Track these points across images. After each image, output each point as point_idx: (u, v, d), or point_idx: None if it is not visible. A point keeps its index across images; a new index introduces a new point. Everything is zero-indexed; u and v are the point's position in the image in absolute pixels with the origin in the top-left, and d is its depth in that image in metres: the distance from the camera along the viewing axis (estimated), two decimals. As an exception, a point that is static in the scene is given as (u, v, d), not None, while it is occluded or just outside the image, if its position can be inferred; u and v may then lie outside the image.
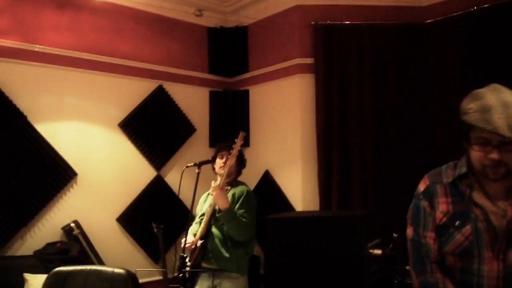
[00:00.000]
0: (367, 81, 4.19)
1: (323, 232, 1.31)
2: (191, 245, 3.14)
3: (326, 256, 1.29)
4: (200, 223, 3.24)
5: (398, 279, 3.13)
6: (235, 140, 3.02)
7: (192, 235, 3.27)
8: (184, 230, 4.45)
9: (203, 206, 3.39)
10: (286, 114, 4.57)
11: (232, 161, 3.02)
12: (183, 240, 3.13)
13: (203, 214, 3.26)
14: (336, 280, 1.27)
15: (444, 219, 1.52)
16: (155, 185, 4.59)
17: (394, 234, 3.21)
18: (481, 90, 1.44)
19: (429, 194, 1.59)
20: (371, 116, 4.17)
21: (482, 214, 1.43)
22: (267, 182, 4.66)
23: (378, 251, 1.30)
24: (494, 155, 1.35)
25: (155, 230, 4.30)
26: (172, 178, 4.70)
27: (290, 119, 4.53)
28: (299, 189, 4.40)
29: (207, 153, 4.82)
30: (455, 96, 3.69)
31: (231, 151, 3.00)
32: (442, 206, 1.54)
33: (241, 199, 3.10)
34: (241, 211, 3.02)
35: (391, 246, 1.46)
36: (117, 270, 2.23)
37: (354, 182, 4.17)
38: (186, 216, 3.78)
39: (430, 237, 1.55)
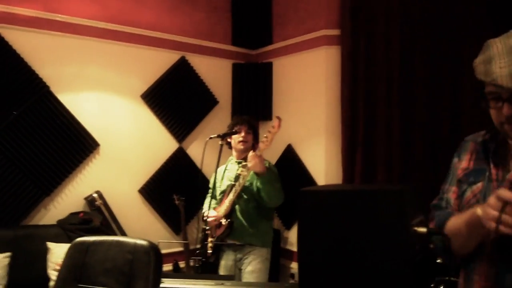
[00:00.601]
0: (394, 54, 3.98)
1: (364, 206, 1.20)
2: (215, 221, 3.12)
3: (365, 233, 1.19)
4: (220, 199, 3.22)
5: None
6: (270, 127, 2.90)
7: (212, 209, 3.24)
8: (203, 203, 4.45)
9: (221, 183, 3.32)
10: (311, 87, 4.42)
11: (265, 146, 2.91)
12: (205, 214, 3.10)
13: (223, 192, 3.21)
14: (376, 259, 1.16)
15: (462, 175, 1.43)
16: (177, 157, 4.53)
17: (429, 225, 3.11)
18: (494, 39, 1.26)
19: (460, 151, 1.52)
20: (397, 90, 3.98)
21: (497, 174, 1.28)
22: (290, 156, 4.56)
23: (423, 229, 1.19)
24: (505, 110, 1.19)
25: (176, 202, 4.30)
26: (194, 150, 4.63)
27: (314, 92, 4.38)
28: (322, 164, 4.29)
29: (229, 125, 4.75)
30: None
31: (268, 135, 2.89)
32: (464, 163, 1.45)
33: None
34: (273, 176, 3.06)
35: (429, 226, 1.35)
36: (139, 242, 2.17)
37: (378, 157, 4.02)
38: (207, 189, 3.74)
39: (452, 191, 1.47)
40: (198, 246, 4.38)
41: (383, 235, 1.14)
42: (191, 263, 4.12)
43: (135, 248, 2.17)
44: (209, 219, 3.13)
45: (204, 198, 3.65)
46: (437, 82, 3.92)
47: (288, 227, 4.57)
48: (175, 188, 4.37)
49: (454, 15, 3.83)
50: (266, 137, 2.87)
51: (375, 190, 1.26)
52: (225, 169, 3.34)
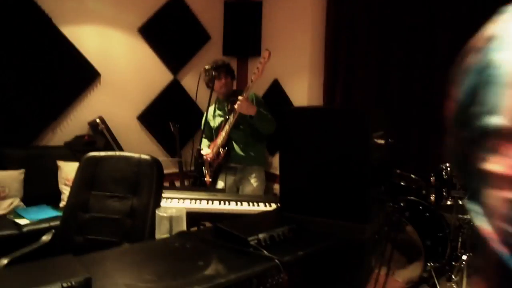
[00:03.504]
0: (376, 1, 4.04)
1: (336, 122, 1.39)
2: (212, 156, 3.30)
3: (336, 144, 1.39)
4: (213, 136, 3.38)
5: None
6: (261, 58, 2.96)
7: (207, 147, 3.40)
8: (197, 130, 4.62)
9: (214, 121, 3.45)
10: (297, 26, 4.49)
11: (257, 77, 3.00)
12: (202, 152, 3.25)
13: (218, 127, 3.36)
14: (343, 164, 1.38)
15: None
16: (172, 88, 4.66)
17: (390, 139, 3.34)
18: None
19: None
20: (376, 30, 4.08)
21: None
22: (276, 89, 4.71)
23: (381, 140, 1.39)
24: None
25: (172, 128, 4.46)
26: (187, 82, 4.75)
27: (300, 31, 4.46)
28: (305, 98, 4.46)
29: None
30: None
31: (258, 66, 2.96)
32: None
33: (254, 102, 3.21)
34: (261, 109, 3.17)
35: (390, 140, 1.54)
36: (143, 156, 2.36)
37: (356, 94, 4.20)
38: (200, 117, 3.90)
39: None
40: (193, 168, 4.64)
41: (351, 145, 1.34)
42: (185, 182, 4.40)
43: (140, 161, 2.37)
44: (206, 157, 3.31)
45: (197, 125, 3.79)
46: (414, 23, 3.98)
47: (272, 153, 4.82)
48: (170, 116, 4.52)
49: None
50: (257, 68, 2.97)
51: (346, 109, 1.44)
52: (215, 108, 3.47)
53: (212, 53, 4.90)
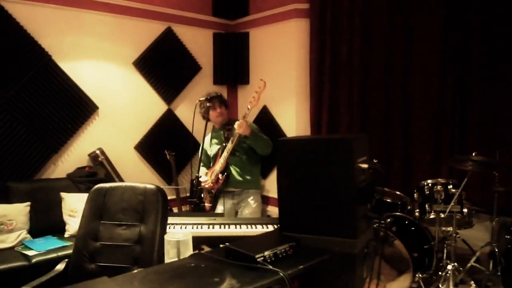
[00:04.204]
0: (356, 27, 4.33)
1: (324, 150, 1.60)
2: (210, 183, 3.47)
3: (326, 170, 1.59)
4: (211, 163, 3.57)
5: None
6: (257, 87, 3.23)
7: (204, 175, 3.56)
8: (192, 157, 4.81)
9: (211, 149, 3.65)
10: (283, 55, 4.76)
11: (253, 105, 3.24)
12: (201, 179, 3.43)
13: (215, 155, 3.55)
14: (334, 188, 1.58)
15: None
16: (167, 117, 4.87)
17: (374, 160, 3.57)
18: None
19: None
20: (358, 58, 4.36)
21: None
22: (265, 115, 4.94)
23: (364, 165, 1.60)
24: None
25: (168, 156, 4.65)
26: (181, 111, 4.97)
27: (286, 59, 4.72)
28: (293, 122, 4.70)
29: (211, 89, 5.05)
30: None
31: (255, 95, 3.21)
32: None
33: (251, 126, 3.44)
34: (257, 130, 3.43)
35: (373, 163, 1.75)
36: (148, 186, 2.52)
37: (342, 117, 4.46)
38: (194, 144, 4.08)
39: None
40: (188, 194, 4.80)
41: (338, 170, 1.55)
42: (183, 208, 4.56)
43: (145, 191, 2.52)
44: (202, 184, 3.48)
45: (192, 152, 3.97)
46: (391, 50, 4.28)
47: (264, 176, 5.01)
48: (166, 144, 4.72)
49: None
50: (253, 97, 3.21)
51: (333, 139, 1.66)
52: (211, 138, 3.68)
53: (203, 82, 5.15)
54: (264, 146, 3.42)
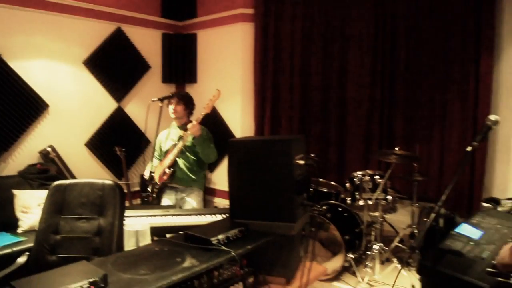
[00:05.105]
0: (297, 31, 4.67)
1: (268, 150, 1.89)
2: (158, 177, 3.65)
3: (269, 166, 1.88)
4: (164, 155, 3.75)
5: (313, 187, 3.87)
6: (212, 96, 3.42)
7: (149, 172, 3.73)
8: (141, 153, 4.95)
9: (165, 143, 3.82)
10: (229, 56, 5.00)
11: (206, 111, 3.44)
12: (145, 173, 3.60)
13: (167, 150, 3.73)
14: (275, 180, 1.87)
15: None
16: (117, 114, 4.96)
17: (311, 154, 3.93)
18: None
19: None
20: (299, 61, 4.71)
21: None
22: (213, 113, 5.13)
23: (301, 161, 1.91)
24: None
25: (118, 152, 4.75)
26: (131, 109, 5.07)
27: (232, 60, 4.97)
28: (239, 120, 4.97)
29: (160, 87, 5.25)
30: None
31: (209, 102, 3.41)
32: None
33: (205, 132, 3.64)
34: (207, 137, 3.61)
35: (309, 159, 2.05)
36: (107, 181, 2.67)
37: (283, 115, 4.79)
38: (143, 140, 4.19)
39: None
40: (138, 188, 4.94)
41: (280, 166, 1.83)
42: (133, 202, 4.69)
43: (103, 186, 2.66)
44: (145, 177, 3.66)
45: (141, 149, 4.05)
46: (329, 53, 4.67)
47: (212, 170, 5.25)
48: (116, 141, 4.81)
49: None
50: (207, 104, 3.45)
51: (275, 140, 1.94)
52: (169, 133, 3.85)
53: (152, 81, 5.28)
54: (208, 152, 3.59)
